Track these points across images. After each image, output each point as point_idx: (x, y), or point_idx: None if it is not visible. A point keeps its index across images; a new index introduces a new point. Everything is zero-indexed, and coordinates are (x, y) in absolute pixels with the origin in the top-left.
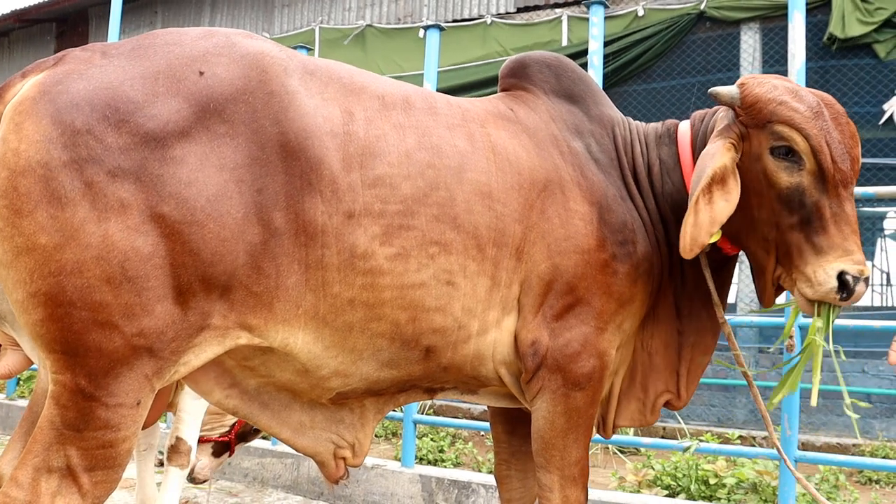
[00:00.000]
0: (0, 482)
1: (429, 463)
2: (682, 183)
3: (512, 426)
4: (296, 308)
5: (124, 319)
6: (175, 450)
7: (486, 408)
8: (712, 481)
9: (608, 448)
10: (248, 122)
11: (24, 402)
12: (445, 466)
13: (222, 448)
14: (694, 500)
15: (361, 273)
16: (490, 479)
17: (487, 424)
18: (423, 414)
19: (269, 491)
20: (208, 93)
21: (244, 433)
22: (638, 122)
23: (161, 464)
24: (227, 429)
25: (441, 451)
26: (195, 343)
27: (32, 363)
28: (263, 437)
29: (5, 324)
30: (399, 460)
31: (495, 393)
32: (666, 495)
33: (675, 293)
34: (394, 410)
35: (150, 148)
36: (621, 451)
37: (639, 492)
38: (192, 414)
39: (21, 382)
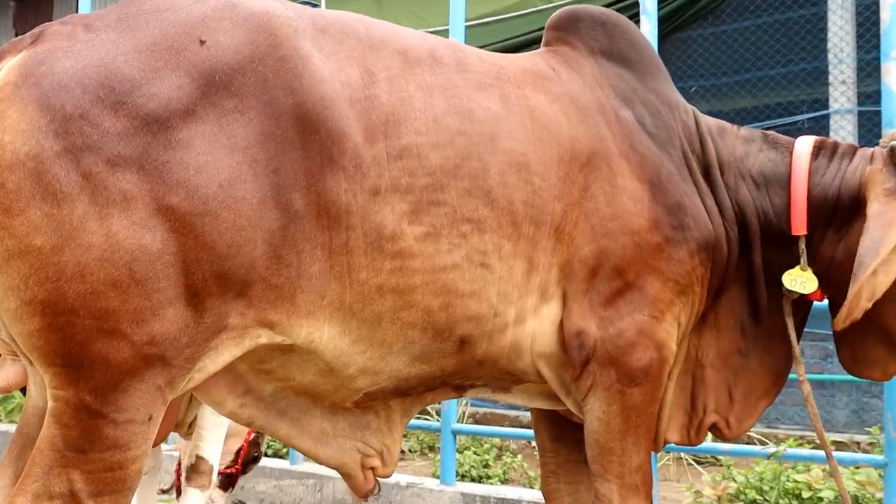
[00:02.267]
0: None
1: (472, 480)
2: (783, 199)
3: (559, 431)
4: (320, 299)
5: (133, 326)
6: (195, 469)
7: None
8: (805, 494)
9: (681, 458)
10: (258, 95)
11: (1, 427)
12: (491, 483)
13: (228, 481)
14: None
15: (390, 256)
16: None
17: None
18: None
19: None
20: (212, 64)
21: (247, 461)
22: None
23: (164, 491)
24: (232, 457)
25: (486, 465)
26: (211, 347)
27: None
28: (280, 457)
29: (2, 330)
30: (438, 477)
31: (531, 391)
32: None
33: (745, 309)
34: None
35: (153, 131)
36: (697, 462)
37: None
38: (213, 430)
39: None
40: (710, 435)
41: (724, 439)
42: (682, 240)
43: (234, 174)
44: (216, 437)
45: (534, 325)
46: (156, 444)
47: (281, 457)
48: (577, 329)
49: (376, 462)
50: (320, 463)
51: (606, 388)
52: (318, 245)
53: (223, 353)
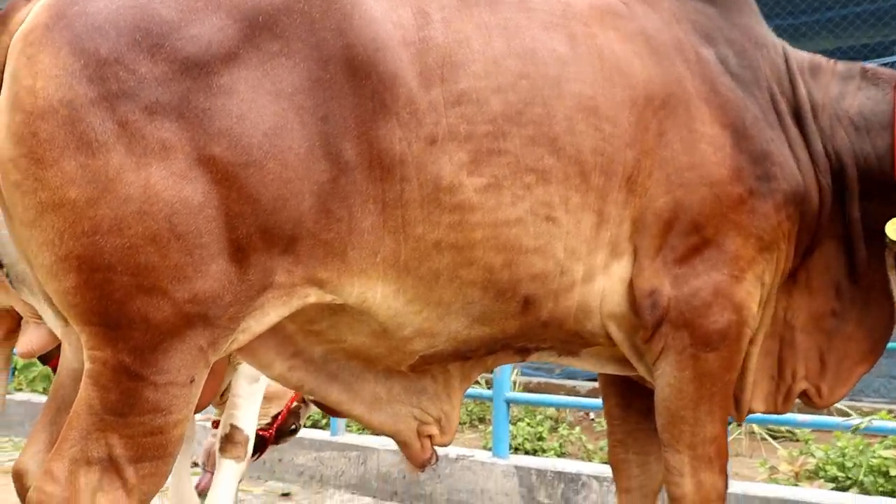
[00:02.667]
0: (23, 478)
1: (526, 453)
2: (886, 140)
3: (628, 399)
4: (373, 255)
5: (174, 284)
6: (230, 440)
7: (594, 385)
8: (893, 472)
9: (754, 432)
10: (305, 37)
11: (21, 396)
12: (547, 456)
13: (258, 444)
14: (869, 495)
15: (448, 209)
16: (604, 471)
17: (598, 402)
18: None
19: (329, 491)
20: (255, 4)
21: (282, 431)
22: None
23: (195, 464)
24: (268, 420)
25: (540, 438)
26: (256, 306)
27: (58, 340)
28: (320, 427)
29: (24, 289)
30: (489, 450)
31: (601, 355)
32: (833, 489)
33: (840, 267)
34: (472, 386)
35: (193, 77)
36: (771, 436)
37: (796, 485)
38: (248, 399)
39: (17, 373)
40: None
41: (815, 408)
42: (766, 192)
43: (280, 122)
44: (251, 406)
45: (603, 284)
46: (199, 409)
47: (321, 427)
48: (649, 288)
49: (433, 430)
50: (374, 430)
51: (679, 352)
52: (370, 198)
53: (269, 313)
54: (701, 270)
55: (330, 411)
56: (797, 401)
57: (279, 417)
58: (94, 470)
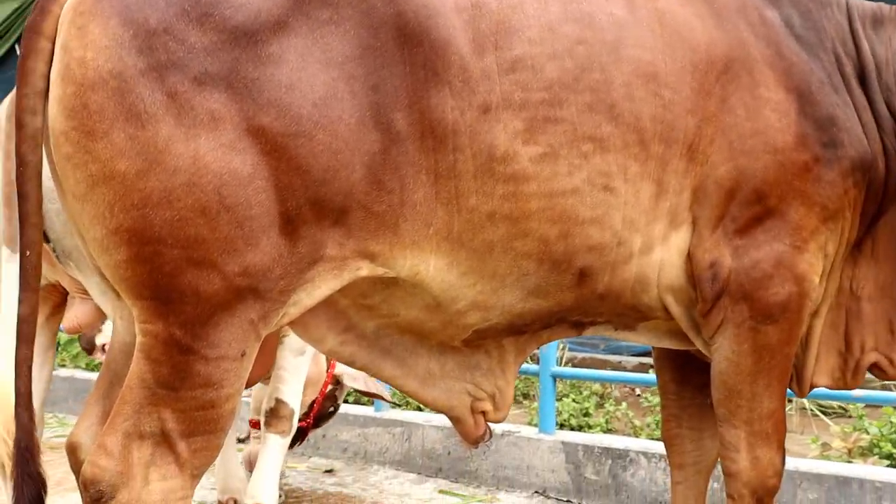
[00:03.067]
0: (77, 452)
1: (571, 429)
2: None
3: (682, 373)
4: (426, 227)
5: (224, 256)
6: (275, 414)
7: (640, 361)
8: None
9: (804, 408)
10: (355, 4)
11: (65, 373)
12: (593, 432)
13: (298, 435)
14: None
15: (502, 180)
16: (652, 446)
17: (646, 377)
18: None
19: (373, 468)
20: None
21: (321, 416)
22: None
23: (240, 440)
24: (305, 410)
25: (586, 414)
26: (307, 279)
27: (104, 315)
28: (363, 403)
29: (70, 264)
30: (535, 426)
31: (658, 329)
32: (888, 465)
33: None
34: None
35: (242, 46)
36: (823, 412)
37: (849, 461)
38: (294, 372)
39: (61, 349)
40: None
41: (888, 380)
42: (833, 158)
43: (330, 92)
44: (297, 379)
45: (661, 255)
46: (250, 384)
47: (364, 403)
48: (709, 259)
49: (487, 406)
50: (426, 406)
51: (738, 324)
52: (422, 169)
53: (320, 287)
54: (762, 241)
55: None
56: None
57: (315, 405)
58: (147, 444)
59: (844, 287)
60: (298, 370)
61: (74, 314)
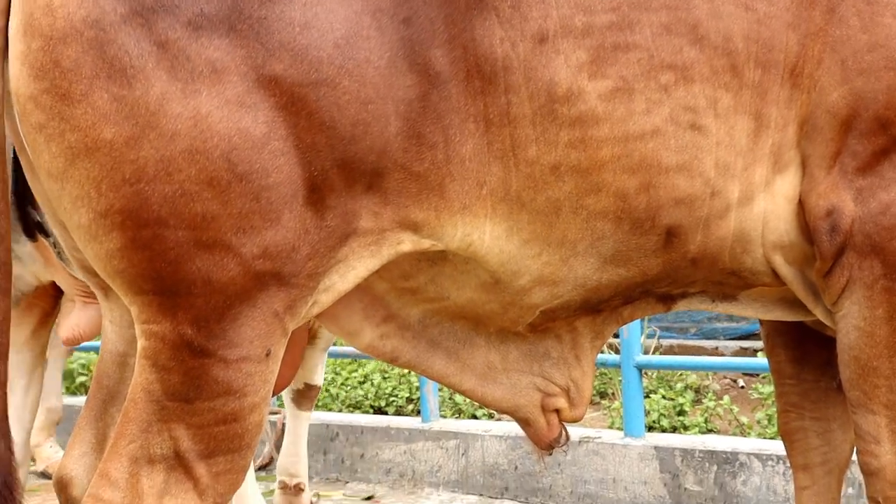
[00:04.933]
0: (69, 488)
1: (663, 431)
2: None
3: (801, 351)
4: (478, 187)
5: (238, 236)
6: (304, 395)
7: (740, 345)
8: None
9: None
10: None
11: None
12: (691, 433)
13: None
14: None
15: (567, 124)
16: (766, 447)
17: (752, 362)
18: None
19: (424, 490)
20: None
21: None
22: None
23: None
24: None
25: (680, 412)
26: (339, 258)
27: None
28: (407, 414)
29: (73, 263)
30: (619, 429)
31: (766, 297)
32: None
33: None
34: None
35: None
36: None
37: None
38: (322, 362)
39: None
40: None
41: None
42: None
43: (353, 29)
44: (320, 360)
45: (765, 206)
46: (278, 390)
47: (407, 414)
48: (826, 206)
49: (561, 402)
50: (488, 406)
51: (868, 285)
52: (469, 116)
53: (355, 266)
54: (891, 179)
55: None
56: None
57: None
58: (159, 469)
59: None
60: (323, 353)
61: (75, 322)
